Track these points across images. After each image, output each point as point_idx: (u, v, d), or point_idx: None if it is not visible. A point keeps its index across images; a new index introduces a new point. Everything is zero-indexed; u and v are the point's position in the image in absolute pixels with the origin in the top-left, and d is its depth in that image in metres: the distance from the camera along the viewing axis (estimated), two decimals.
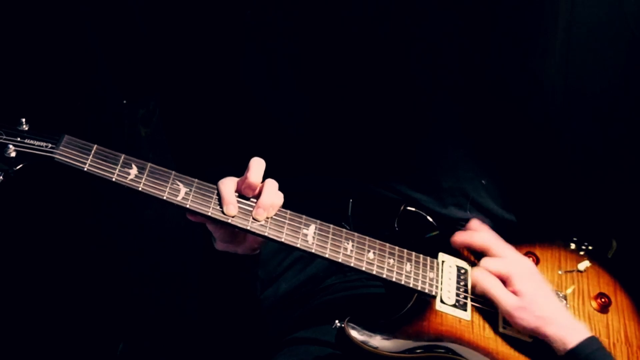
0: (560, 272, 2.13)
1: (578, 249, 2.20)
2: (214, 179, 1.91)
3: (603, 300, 2.09)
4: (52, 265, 2.79)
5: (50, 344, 2.79)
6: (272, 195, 1.89)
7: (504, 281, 1.99)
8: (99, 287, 2.90)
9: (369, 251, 1.96)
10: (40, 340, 2.77)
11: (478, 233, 2.13)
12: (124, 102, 2.90)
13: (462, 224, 2.40)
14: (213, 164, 2.85)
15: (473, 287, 2.04)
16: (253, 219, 1.85)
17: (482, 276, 2.02)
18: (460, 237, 2.12)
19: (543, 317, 1.93)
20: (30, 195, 2.57)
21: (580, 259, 2.18)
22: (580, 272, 2.13)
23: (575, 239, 2.15)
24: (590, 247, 2.21)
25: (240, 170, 1.96)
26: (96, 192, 2.81)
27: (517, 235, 2.08)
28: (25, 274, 2.74)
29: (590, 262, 2.16)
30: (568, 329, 1.92)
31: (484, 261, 2.05)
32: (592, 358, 1.87)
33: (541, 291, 1.99)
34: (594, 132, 2.57)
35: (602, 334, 2.04)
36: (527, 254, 2.14)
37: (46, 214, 2.74)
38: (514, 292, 1.96)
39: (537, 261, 2.14)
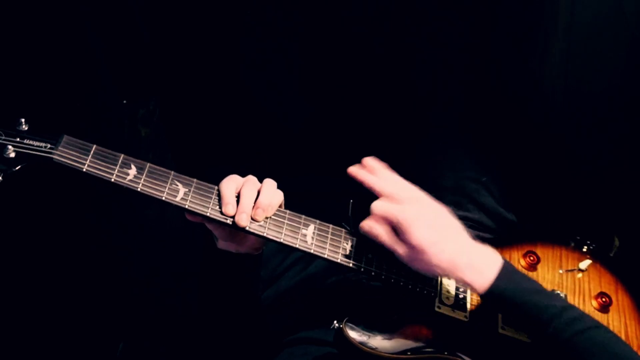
0: (561, 271, 2.13)
1: (580, 247, 2.20)
2: (214, 179, 1.91)
3: (604, 299, 2.08)
4: (52, 266, 2.79)
5: (50, 344, 2.79)
6: (271, 195, 1.88)
7: (396, 227, 1.85)
8: (99, 287, 2.90)
9: (367, 252, 1.96)
10: (40, 340, 2.77)
11: (376, 179, 1.95)
12: (124, 102, 2.90)
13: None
14: (213, 164, 2.86)
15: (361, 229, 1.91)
16: (252, 219, 1.85)
17: (369, 226, 1.88)
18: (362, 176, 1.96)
19: (441, 265, 1.81)
20: (30, 195, 2.57)
21: (582, 257, 2.17)
22: (582, 271, 2.13)
23: (578, 238, 2.14)
24: (592, 246, 2.20)
25: (240, 170, 1.96)
26: (96, 191, 2.81)
27: (518, 234, 2.07)
28: (25, 274, 2.74)
29: (591, 261, 2.16)
30: (474, 270, 1.82)
31: (375, 204, 1.90)
32: (510, 291, 1.81)
33: (436, 236, 1.83)
34: (594, 131, 2.57)
35: None
36: (528, 253, 2.13)
37: (46, 214, 2.74)
38: (405, 242, 1.83)
39: (537, 260, 2.13)
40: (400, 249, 1.84)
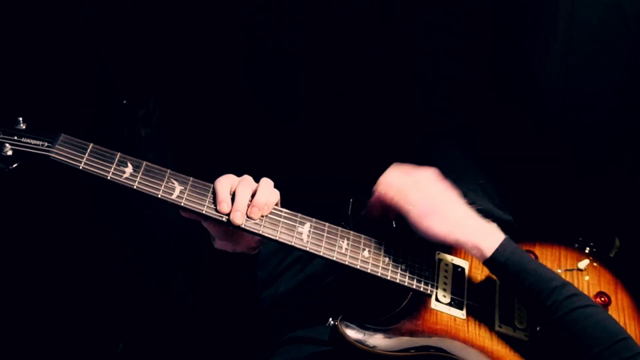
0: (560, 271, 2.12)
1: (580, 247, 2.19)
2: (214, 179, 1.91)
3: (603, 299, 2.08)
4: (51, 265, 2.79)
5: (50, 344, 2.80)
6: (267, 194, 1.89)
7: (410, 188, 1.98)
8: (99, 286, 2.91)
9: (364, 249, 1.97)
10: (40, 340, 2.78)
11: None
12: (124, 102, 2.91)
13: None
14: (213, 163, 2.86)
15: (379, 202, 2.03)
16: (248, 217, 1.86)
17: (384, 189, 2.01)
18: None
19: (452, 222, 1.93)
20: (29, 193, 2.58)
21: (581, 257, 2.17)
22: (581, 270, 2.13)
23: (580, 239, 2.13)
24: (592, 246, 2.20)
25: (240, 170, 1.96)
26: (96, 191, 2.81)
27: (516, 233, 2.07)
28: (25, 273, 2.74)
29: (591, 260, 2.15)
30: (480, 234, 1.92)
31: (389, 171, 2.05)
32: (512, 260, 1.88)
33: (445, 196, 1.99)
34: (594, 131, 2.57)
35: None
36: (527, 253, 2.13)
37: (45, 212, 2.74)
38: (417, 201, 1.95)
39: (536, 259, 2.13)
40: (412, 208, 1.93)
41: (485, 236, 1.92)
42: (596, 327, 1.81)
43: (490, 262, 1.90)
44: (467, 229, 1.93)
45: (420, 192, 1.96)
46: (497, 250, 1.89)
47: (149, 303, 3.02)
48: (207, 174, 1.92)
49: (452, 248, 2.11)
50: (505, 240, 1.91)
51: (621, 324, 2.01)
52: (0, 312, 2.70)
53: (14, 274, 2.71)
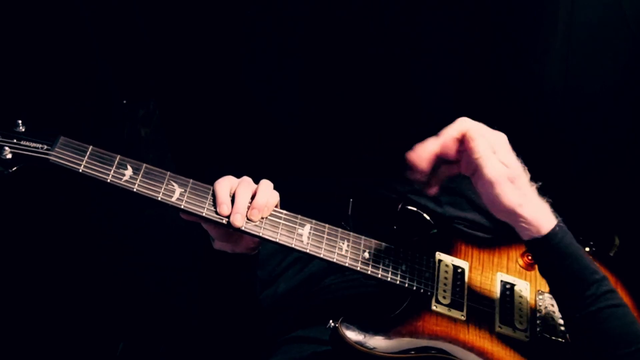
0: None
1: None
2: (214, 179, 1.91)
3: None
4: (52, 265, 2.80)
5: (50, 344, 2.80)
6: (267, 195, 1.89)
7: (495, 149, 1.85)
8: (99, 286, 2.91)
9: (364, 251, 1.97)
10: (40, 340, 2.78)
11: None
12: (124, 102, 2.91)
13: (458, 223, 2.40)
14: (213, 163, 2.86)
15: (465, 144, 1.84)
16: (247, 219, 1.86)
17: (477, 135, 1.83)
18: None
19: (524, 195, 1.84)
20: (29, 193, 2.58)
21: None
22: None
23: (581, 238, 2.13)
24: (592, 245, 2.20)
25: (240, 170, 1.96)
26: (96, 191, 2.81)
27: (516, 233, 2.06)
28: (25, 273, 2.74)
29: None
30: (542, 212, 1.86)
31: (472, 127, 1.86)
32: (564, 244, 1.84)
33: (518, 166, 1.86)
34: (594, 130, 2.57)
35: None
36: (526, 252, 2.13)
37: (45, 213, 2.74)
38: (495, 164, 1.81)
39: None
40: (499, 166, 1.81)
41: (545, 215, 1.86)
42: (626, 328, 1.80)
43: (541, 241, 1.85)
44: (534, 204, 1.85)
45: (498, 155, 1.83)
46: (553, 230, 1.84)
47: (149, 303, 3.02)
48: (207, 174, 1.92)
49: (452, 249, 2.11)
50: (561, 222, 1.86)
51: None
52: (0, 312, 2.70)
53: (14, 274, 2.71)
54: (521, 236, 1.89)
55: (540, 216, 1.85)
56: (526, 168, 1.90)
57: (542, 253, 1.89)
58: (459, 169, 1.91)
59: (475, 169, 1.83)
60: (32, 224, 2.72)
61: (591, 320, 1.82)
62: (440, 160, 1.89)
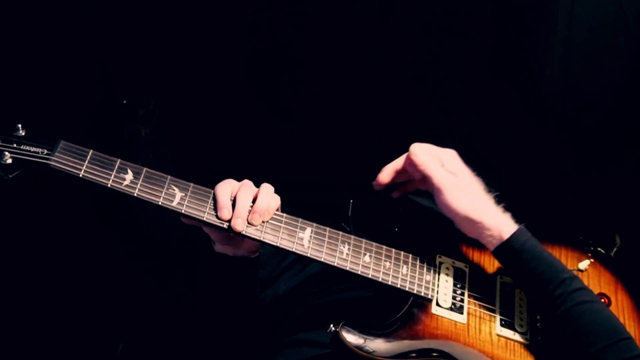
0: None
1: (581, 247, 2.19)
2: (214, 179, 1.91)
3: (603, 300, 2.08)
4: (52, 265, 2.80)
5: (50, 344, 2.80)
6: (268, 199, 1.88)
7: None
8: (99, 287, 2.91)
9: (365, 254, 1.96)
10: (40, 340, 2.78)
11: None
12: (124, 102, 2.90)
13: None
14: (213, 163, 2.86)
15: (410, 160, 2.01)
16: (248, 223, 1.86)
17: (420, 151, 2.00)
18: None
19: (478, 200, 1.94)
20: (29, 193, 2.58)
21: (582, 257, 2.16)
22: (581, 271, 2.12)
23: (581, 237, 2.13)
24: (592, 244, 2.20)
25: (240, 170, 1.96)
26: (96, 192, 2.81)
27: None
28: (25, 273, 2.74)
29: (591, 261, 2.15)
30: (500, 217, 1.94)
31: (415, 146, 2.02)
32: (527, 246, 1.90)
33: (470, 175, 2.00)
34: (594, 130, 2.57)
35: None
36: None
37: (45, 213, 2.74)
38: (445, 174, 1.96)
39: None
40: (447, 175, 1.95)
41: (504, 220, 1.93)
42: (601, 323, 1.83)
43: (504, 246, 1.91)
44: (490, 209, 1.94)
45: (446, 166, 1.97)
46: (514, 235, 1.90)
47: (149, 303, 3.02)
48: (206, 174, 1.92)
49: (452, 251, 2.11)
50: (522, 226, 1.92)
51: None
52: (0, 312, 2.70)
53: (14, 274, 2.71)
54: (487, 247, 1.96)
55: (498, 221, 1.93)
56: (481, 179, 1.96)
57: (508, 258, 1.95)
58: (422, 185, 2.07)
59: (428, 183, 1.98)
60: (31, 224, 2.71)
61: (566, 319, 1.85)
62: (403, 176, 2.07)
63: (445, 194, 1.93)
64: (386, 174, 2.07)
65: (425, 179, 1.98)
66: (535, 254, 1.90)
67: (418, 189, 2.11)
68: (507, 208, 1.98)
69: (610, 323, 1.83)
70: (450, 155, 2.01)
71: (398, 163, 2.05)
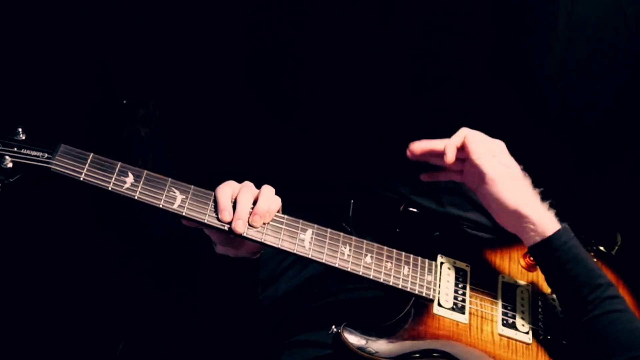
0: None
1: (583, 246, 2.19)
2: (214, 179, 1.91)
3: None
4: (52, 265, 2.79)
5: (50, 344, 2.80)
6: (269, 201, 1.89)
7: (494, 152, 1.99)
8: (99, 287, 2.91)
9: (366, 255, 1.97)
10: (40, 340, 2.78)
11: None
12: (124, 102, 2.90)
13: (460, 223, 2.40)
14: (213, 163, 2.85)
15: (465, 146, 1.97)
16: (249, 225, 1.86)
17: (474, 138, 1.98)
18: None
19: (527, 195, 1.93)
20: (29, 193, 2.58)
21: None
22: None
23: (582, 236, 2.13)
24: (594, 244, 2.20)
25: (240, 170, 1.96)
26: (96, 192, 2.81)
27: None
28: (25, 273, 2.74)
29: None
30: (546, 214, 1.93)
31: (470, 133, 2.00)
32: (568, 246, 1.89)
33: (519, 169, 1.99)
34: (595, 130, 2.57)
35: None
36: (527, 254, 2.13)
37: (45, 213, 2.74)
38: (495, 165, 1.94)
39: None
40: (499, 166, 1.93)
41: (549, 217, 1.93)
42: (628, 334, 1.82)
43: (544, 243, 1.90)
44: (538, 206, 1.93)
45: (497, 158, 1.96)
46: (557, 233, 1.89)
47: (149, 303, 3.02)
48: (206, 174, 1.92)
49: (454, 251, 2.12)
50: (565, 225, 1.92)
51: None
52: (1, 312, 2.70)
53: (14, 274, 2.71)
54: (525, 242, 1.93)
55: (544, 217, 1.91)
56: (527, 174, 1.94)
57: (545, 255, 1.93)
58: (462, 179, 2.04)
59: (477, 175, 1.94)
60: (31, 223, 2.71)
61: (595, 325, 1.83)
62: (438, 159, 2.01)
63: (499, 185, 1.91)
64: (420, 148, 2.04)
65: (476, 172, 1.95)
66: (574, 255, 1.88)
67: (450, 180, 2.11)
68: (552, 205, 1.97)
69: (637, 335, 1.82)
70: (500, 147, 2.00)
71: (446, 148, 1.97)
